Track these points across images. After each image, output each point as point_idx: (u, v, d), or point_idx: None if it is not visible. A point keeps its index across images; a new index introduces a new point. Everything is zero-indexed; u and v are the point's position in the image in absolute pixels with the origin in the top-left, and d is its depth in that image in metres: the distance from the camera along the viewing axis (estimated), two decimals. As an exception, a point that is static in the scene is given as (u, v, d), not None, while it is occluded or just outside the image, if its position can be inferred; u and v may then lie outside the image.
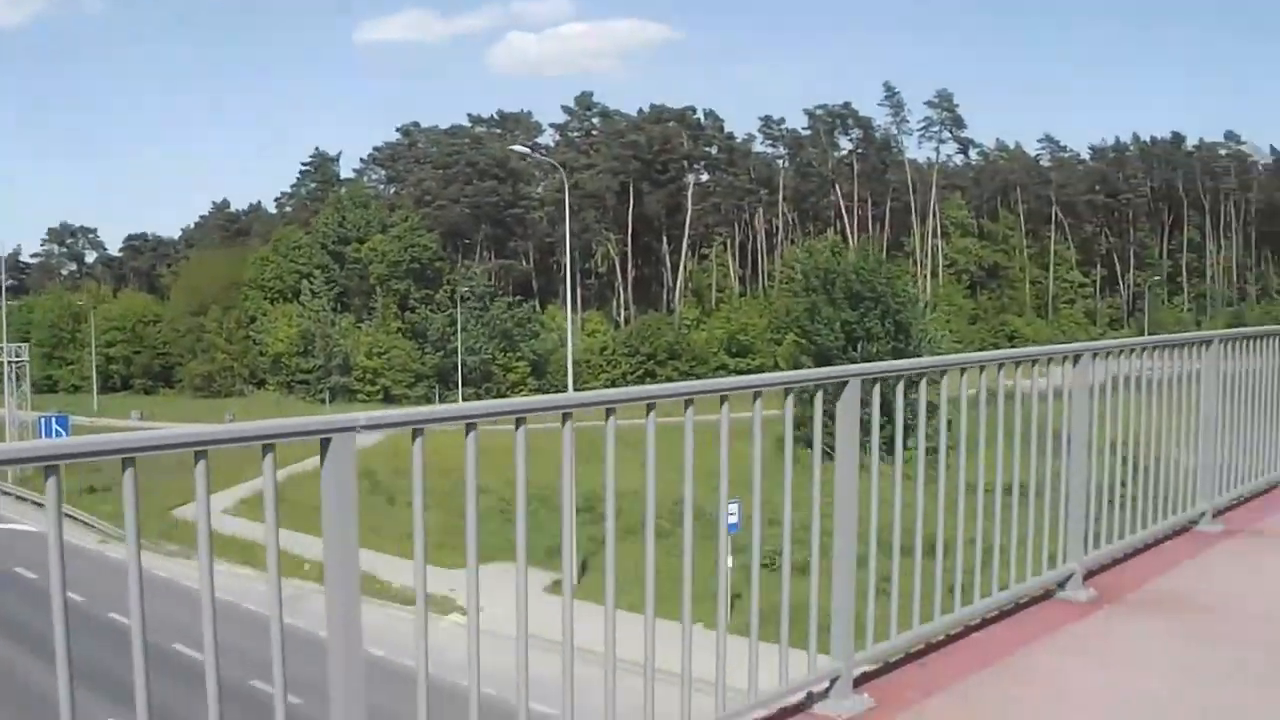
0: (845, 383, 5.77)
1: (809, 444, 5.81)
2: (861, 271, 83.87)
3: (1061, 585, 7.75)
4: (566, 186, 79.79)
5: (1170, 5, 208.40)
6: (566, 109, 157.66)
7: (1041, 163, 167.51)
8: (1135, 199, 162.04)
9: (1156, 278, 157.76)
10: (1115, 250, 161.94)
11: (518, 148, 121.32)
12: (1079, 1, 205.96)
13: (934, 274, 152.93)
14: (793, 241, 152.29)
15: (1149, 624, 7.42)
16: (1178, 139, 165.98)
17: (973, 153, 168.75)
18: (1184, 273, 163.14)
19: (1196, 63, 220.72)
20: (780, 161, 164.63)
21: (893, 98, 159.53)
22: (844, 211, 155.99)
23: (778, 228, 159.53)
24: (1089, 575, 7.99)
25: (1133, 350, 8.74)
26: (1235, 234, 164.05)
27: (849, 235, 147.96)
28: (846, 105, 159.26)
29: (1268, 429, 11.15)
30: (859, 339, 77.43)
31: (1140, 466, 8.93)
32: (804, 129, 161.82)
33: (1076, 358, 7.90)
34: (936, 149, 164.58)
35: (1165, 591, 8.11)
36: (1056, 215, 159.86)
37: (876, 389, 6.04)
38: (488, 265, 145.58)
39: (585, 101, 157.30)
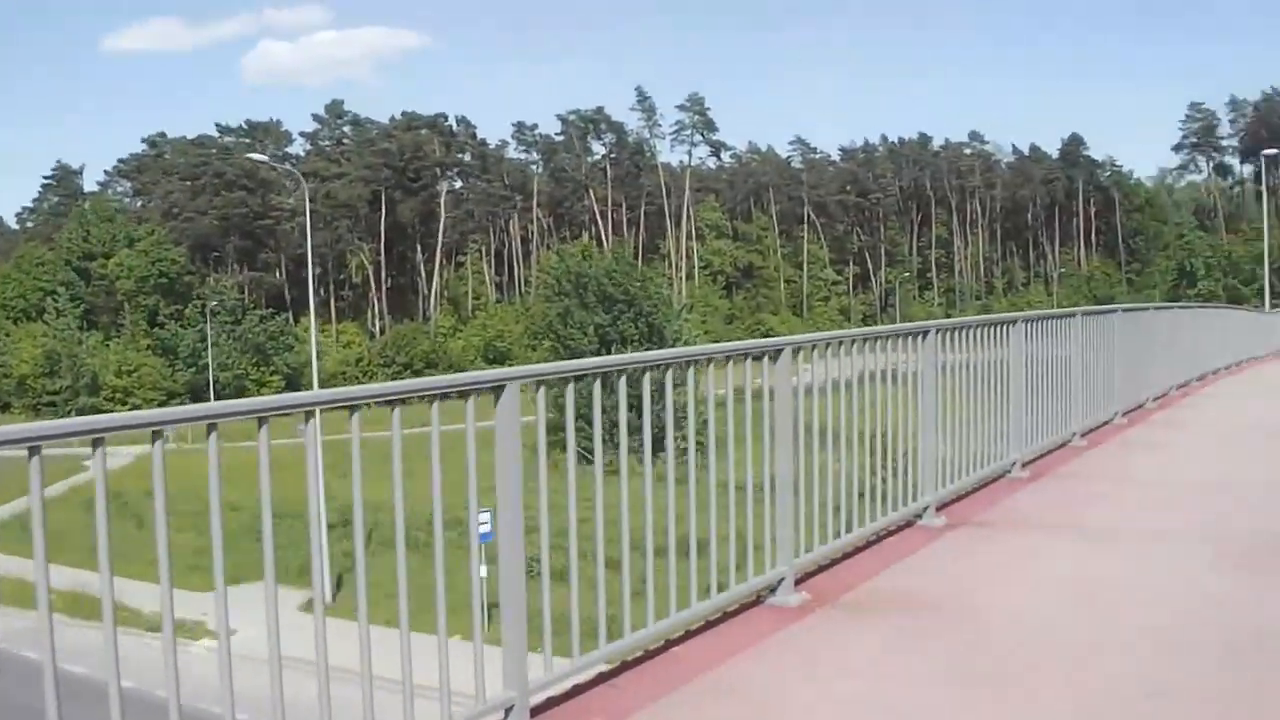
0: (502, 386, 5.36)
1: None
2: (614, 274, 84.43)
3: (773, 590, 7.45)
4: (308, 195, 79.04)
5: (913, 10, 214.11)
6: (317, 117, 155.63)
7: (793, 164, 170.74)
8: (885, 198, 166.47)
9: (906, 274, 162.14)
10: (867, 248, 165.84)
11: (256, 156, 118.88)
12: (825, 6, 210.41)
13: (689, 276, 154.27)
14: (548, 247, 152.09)
15: (861, 626, 7.17)
16: (924, 139, 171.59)
17: (726, 155, 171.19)
18: (934, 268, 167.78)
19: (941, 64, 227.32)
20: (534, 167, 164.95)
21: (644, 102, 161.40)
22: (598, 216, 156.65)
23: (533, 233, 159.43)
24: (803, 578, 7.77)
25: (840, 343, 8.45)
26: (981, 230, 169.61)
27: (604, 239, 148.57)
28: (599, 110, 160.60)
29: (990, 419, 11.23)
30: (613, 341, 77.73)
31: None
32: (557, 134, 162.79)
33: (777, 353, 7.59)
34: (689, 152, 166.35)
35: (881, 591, 7.90)
36: (809, 215, 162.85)
37: (543, 390, 5.71)
38: (239, 278, 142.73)
39: (336, 109, 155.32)
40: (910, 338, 9.73)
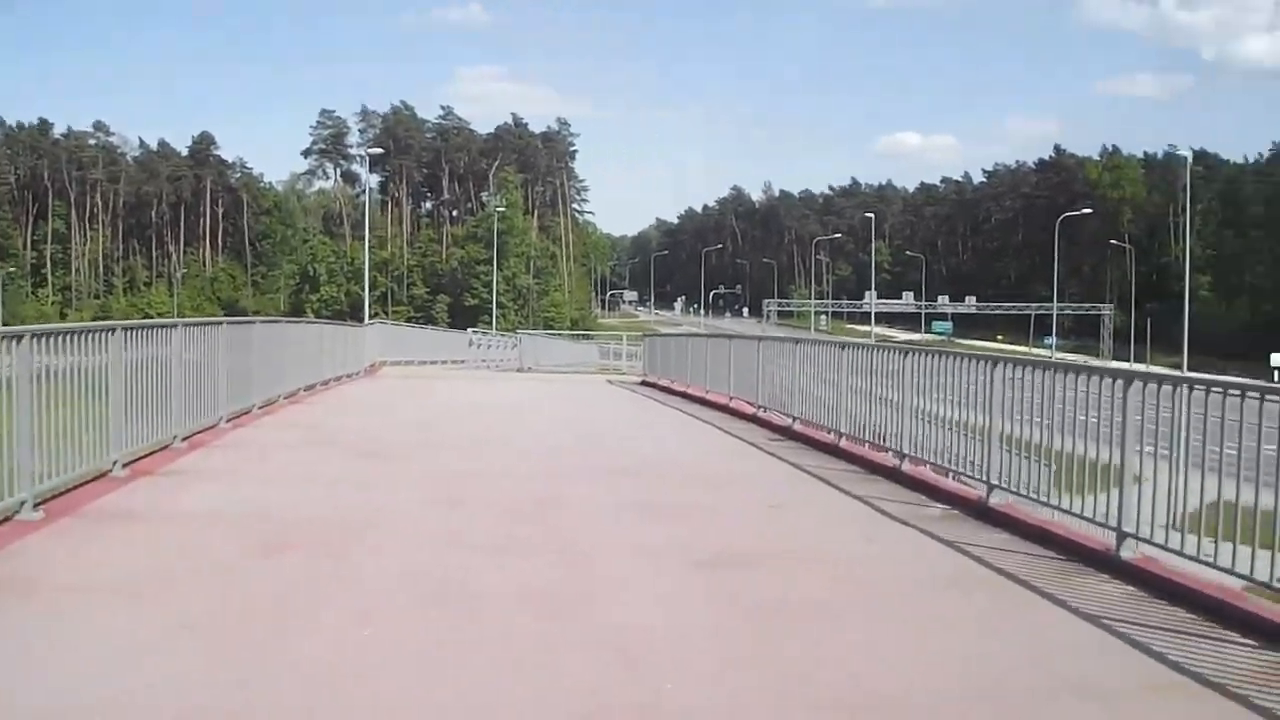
0: None
1: None
2: None
3: None
4: None
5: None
6: None
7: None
8: (0, 187, 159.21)
9: (13, 269, 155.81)
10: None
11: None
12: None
13: None
14: None
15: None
16: (45, 126, 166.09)
17: None
18: (49, 264, 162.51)
19: (67, 50, 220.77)
20: None
21: None
22: None
23: None
24: None
25: None
26: (103, 225, 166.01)
27: None
28: None
29: (92, 421, 11.60)
30: None
31: None
32: None
33: None
34: None
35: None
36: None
37: None
38: None
39: None
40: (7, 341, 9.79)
